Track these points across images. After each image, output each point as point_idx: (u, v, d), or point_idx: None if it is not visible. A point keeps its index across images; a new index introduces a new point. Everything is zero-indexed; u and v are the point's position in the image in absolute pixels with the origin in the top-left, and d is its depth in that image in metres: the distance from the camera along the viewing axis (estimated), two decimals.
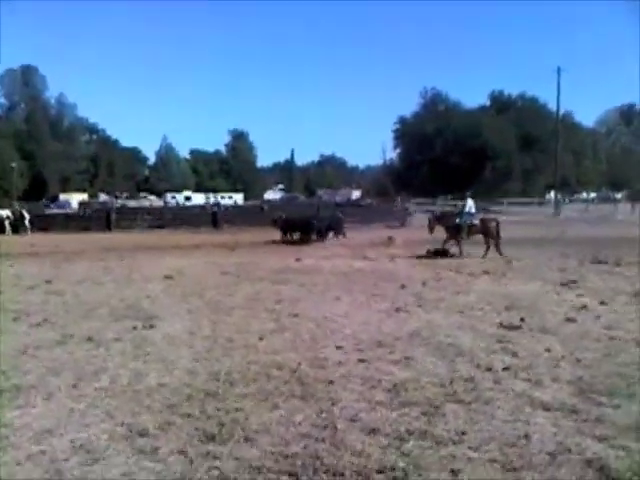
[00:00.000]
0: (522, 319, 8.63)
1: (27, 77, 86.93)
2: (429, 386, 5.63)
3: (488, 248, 18.59)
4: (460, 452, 4.18)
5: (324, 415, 4.91)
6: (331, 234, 26.25)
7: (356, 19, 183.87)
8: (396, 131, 69.84)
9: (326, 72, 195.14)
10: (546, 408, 5.04)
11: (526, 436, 4.44)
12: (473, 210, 19.83)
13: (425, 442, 4.36)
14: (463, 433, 4.51)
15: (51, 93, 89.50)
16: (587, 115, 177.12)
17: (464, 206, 20.06)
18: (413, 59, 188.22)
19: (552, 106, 61.89)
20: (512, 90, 71.04)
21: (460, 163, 59.34)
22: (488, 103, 70.12)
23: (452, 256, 18.33)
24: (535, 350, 6.99)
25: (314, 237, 25.57)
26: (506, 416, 4.86)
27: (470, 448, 4.25)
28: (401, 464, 4.00)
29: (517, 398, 5.30)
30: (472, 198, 20.19)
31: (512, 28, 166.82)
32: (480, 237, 19.15)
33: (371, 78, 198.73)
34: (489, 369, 6.19)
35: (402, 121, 69.25)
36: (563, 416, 4.85)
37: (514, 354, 6.78)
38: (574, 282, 12.34)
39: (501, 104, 67.91)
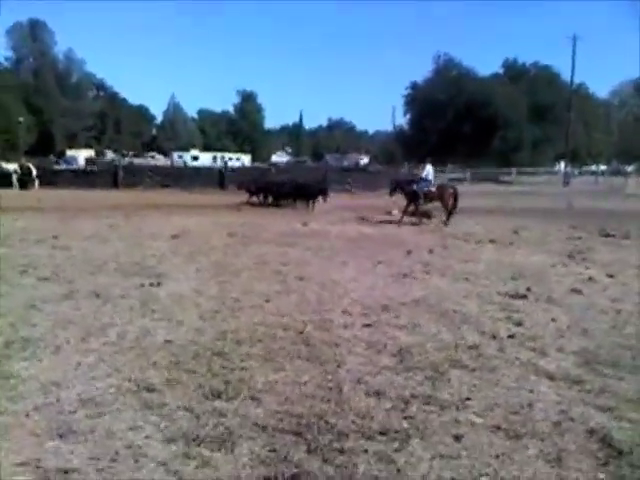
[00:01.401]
0: (528, 288, 8.62)
1: (35, 31, 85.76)
2: (434, 352, 5.65)
3: (447, 215, 18.58)
4: (463, 417, 4.21)
5: (329, 377, 4.93)
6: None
7: None
8: (407, 96, 68.83)
9: (337, 35, 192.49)
10: (550, 377, 5.05)
11: (530, 404, 4.46)
12: (430, 177, 19.60)
13: (429, 406, 4.39)
14: (467, 399, 4.53)
15: (59, 48, 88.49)
16: (601, 86, 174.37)
17: (422, 172, 19.93)
18: (426, 24, 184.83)
19: (565, 76, 61.14)
20: (526, 59, 69.97)
21: (470, 131, 58.69)
22: (501, 71, 69.01)
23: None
24: (540, 319, 6.99)
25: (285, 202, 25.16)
26: (510, 384, 4.88)
27: (474, 414, 4.27)
28: (405, 427, 4.03)
29: (522, 366, 5.31)
30: (431, 164, 20.12)
31: None
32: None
33: (383, 42, 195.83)
34: (494, 337, 6.20)
35: (413, 86, 68.23)
36: (567, 386, 4.86)
37: (519, 323, 6.78)
38: (581, 254, 12.31)
39: (514, 73, 66.71)
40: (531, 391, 4.74)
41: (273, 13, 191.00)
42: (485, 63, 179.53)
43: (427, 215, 19.58)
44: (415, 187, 19.28)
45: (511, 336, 6.24)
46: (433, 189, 19.12)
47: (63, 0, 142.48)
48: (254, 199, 25.91)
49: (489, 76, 67.20)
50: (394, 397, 4.54)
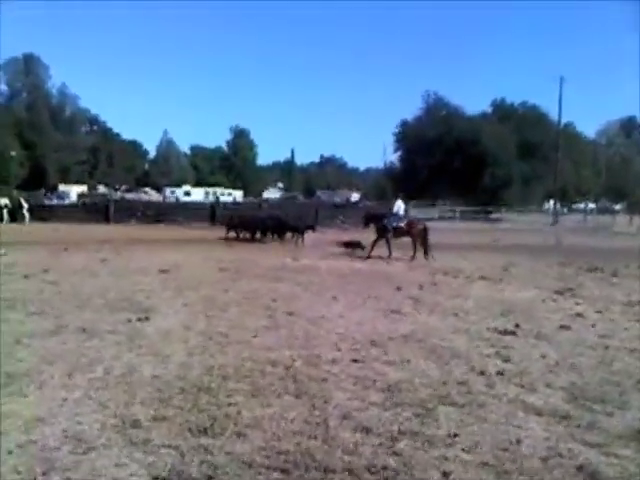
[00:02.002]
0: (517, 325, 8.65)
1: (30, 66, 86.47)
2: (422, 388, 5.63)
3: (414, 251, 18.62)
4: (452, 454, 4.18)
5: (317, 413, 4.90)
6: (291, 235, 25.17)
7: (360, 22, 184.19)
8: (397, 134, 69.65)
9: (329, 73, 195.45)
10: (538, 413, 5.04)
11: (518, 440, 4.44)
12: (401, 212, 19.80)
13: (417, 443, 4.36)
14: (455, 435, 4.51)
15: (53, 83, 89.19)
16: (588, 126, 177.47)
17: (393, 207, 20.11)
18: (416, 63, 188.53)
19: (553, 115, 61.95)
20: (514, 98, 71.30)
21: (460, 168, 59.25)
22: (490, 110, 70.17)
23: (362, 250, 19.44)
24: (529, 355, 7.01)
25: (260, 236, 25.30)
26: (499, 420, 4.87)
27: (462, 450, 4.25)
28: (392, 464, 4.00)
29: (510, 403, 5.31)
30: (403, 200, 20.42)
31: (515, 37, 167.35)
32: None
33: (373, 81, 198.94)
34: (483, 373, 6.19)
35: (404, 124, 69.09)
36: (555, 422, 4.86)
37: (508, 359, 6.79)
38: (570, 290, 12.37)
39: (503, 112, 67.83)
40: (519, 427, 4.72)
41: (266, 51, 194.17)
42: (473, 102, 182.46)
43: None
44: (385, 222, 19.43)
45: (500, 372, 6.24)
46: (402, 224, 19.24)
47: (57, 33, 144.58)
48: (236, 234, 25.85)
49: (478, 115, 68.22)
50: (382, 433, 4.51)
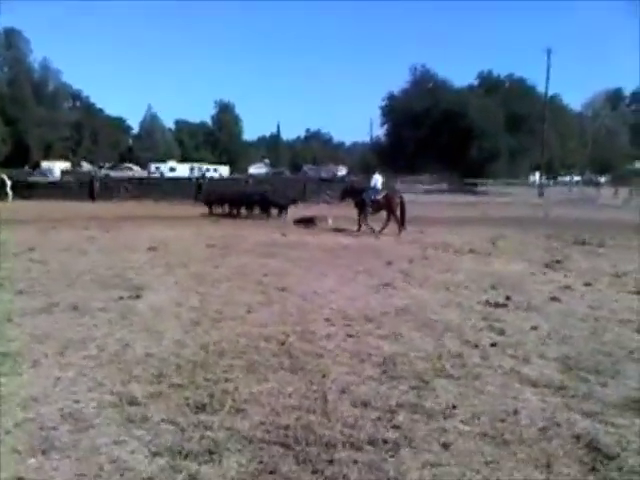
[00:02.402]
0: (508, 297, 8.69)
1: (10, 40, 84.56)
2: (418, 361, 5.65)
3: (387, 222, 18.89)
4: (451, 425, 4.21)
5: (314, 387, 4.90)
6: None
7: None
8: (384, 107, 69.23)
9: (314, 47, 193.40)
10: (534, 384, 5.08)
11: (515, 411, 4.48)
12: (379, 186, 19.93)
13: (416, 415, 4.39)
14: (453, 407, 4.53)
15: (35, 57, 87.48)
16: (575, 98, 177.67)
17: (370, 181, 20.33)
18: (402, 36, 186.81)
19: (540, 88, 62.05)
20: (501, 71, 71.10)
21: (447, 142, 59.20)
22: (476, 83, 69.94)
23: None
24: (521, 327, 7.05)
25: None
26: (495, 391, 4.90)
27: (461, 422, 4.28)
28: (393, 437, 4.02)
29: (505, 374, 5.34)
30: (381, 173, 20.84)
31: (502, 8, 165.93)
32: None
33: (359, 54, 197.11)
34: (476, 345, 6.23)
35: (390, 97, 68.71)
36: (551, 392, 4.90)
37: (501, 331, 6.83)
38: (559, 262, 12.46)
39: (489, 84, 67.62)
40: (516, 398, 4.76)
41: (250, 24, 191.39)
42: (460, 74, 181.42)
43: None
44: (363, 195, 19.58)
45: (493, 344, 6.28)
46: (379, 197, 19.31)
47: (39, 7, 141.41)
48: (222, 211, 25.89)
49: (464, 87, 68.02)
50: (380, 407, 4.53)
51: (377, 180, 19.95)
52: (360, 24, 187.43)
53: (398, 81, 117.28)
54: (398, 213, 18.77)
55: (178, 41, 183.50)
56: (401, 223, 18.52)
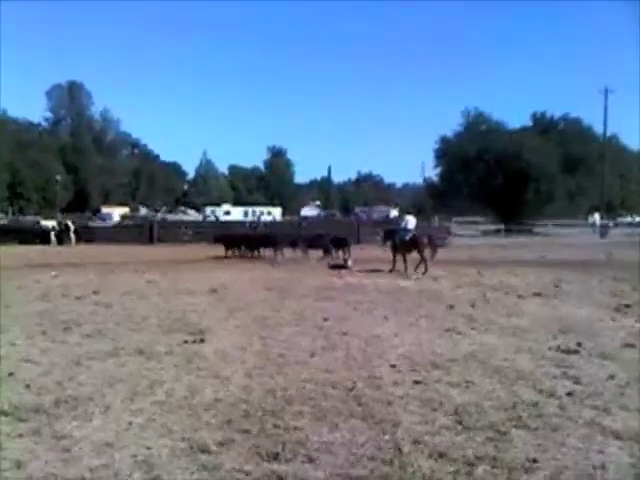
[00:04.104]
0: (579, 343, 8.33)
1: (73, 93, 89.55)
2: (492, 410, 5.44)
3: (421, 263, 18.49)
4: None
5: (386, 437, 4.77)
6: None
7: (398, 37, 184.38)
8: (437, 150, 69.00)
9: (365, 90, 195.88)
10: (618, 437, 4.80)
11: (602, 466, 4.23)
12: (410, 226, 19.78)
13: (496, 469, 4.19)
14: (534, 461, 4.32)
15: (96, 108, 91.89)
16: (633, 138, 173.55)
17: (402, 222, 20.41)
18: (454, 79, 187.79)
19: (597, 128, 60.97)
20: (555, 112, 70.19)
21: (502, 184, 58.51)
22: (530, 124, 69.15)
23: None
24: (597, 375, 6.73)
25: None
26: (577, 444, 4.65)
27: (545, 477, 4.06)
28: None
29: (586, 426, 5.08)
30: (414, 215, 20.97)
31: (556, 48, 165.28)
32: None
33: (410, 96, 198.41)
34: (552, 394, 5.96)
35: (444, 140, 68.56)
36: (638, 446, 4.61)
37: (576, 379, 6.53)
38: (628, 307, 11.95)
39: (544, 125, 66.74)
40: (601, 452, 4.50)
41: (302, 71, 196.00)
42: (514, 116, 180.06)
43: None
44: (395, 237, 19.74)
45: (569, 393, 6.00)
46: (407, 238, 19.24)
47: (99, 61, 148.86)
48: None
49: (518, 129, 67.30)
50: (457, 458, 4.35)
51: (408, 221, 20.01)
52: (411, 67, 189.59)
53: (449, 122, 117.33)
54: (426, 254, 18.74)
55: (232, 89, 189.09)
56: (424, 264, 18.33)
